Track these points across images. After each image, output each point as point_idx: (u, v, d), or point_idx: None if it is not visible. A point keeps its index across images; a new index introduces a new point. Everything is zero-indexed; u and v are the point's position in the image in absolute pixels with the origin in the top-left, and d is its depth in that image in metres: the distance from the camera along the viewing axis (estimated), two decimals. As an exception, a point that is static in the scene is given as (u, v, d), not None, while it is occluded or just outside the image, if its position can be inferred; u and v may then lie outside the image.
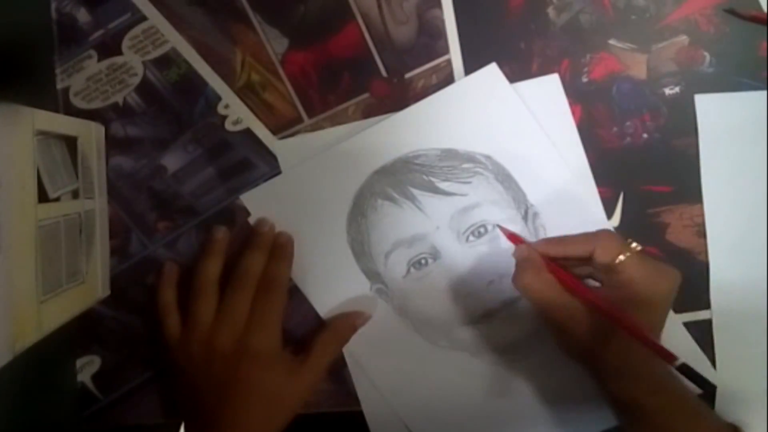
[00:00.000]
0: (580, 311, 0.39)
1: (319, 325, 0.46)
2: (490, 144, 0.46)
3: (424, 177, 0.46)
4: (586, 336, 0.38)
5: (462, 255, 0.46)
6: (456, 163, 0.46)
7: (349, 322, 0.46)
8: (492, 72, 0.46)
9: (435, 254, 0.46)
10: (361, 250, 0.47)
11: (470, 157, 0.46)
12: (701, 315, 0.46)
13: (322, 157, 0.47)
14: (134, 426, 0.48)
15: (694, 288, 0.46)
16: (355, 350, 0.47)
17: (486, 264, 0.45)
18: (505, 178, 0.46)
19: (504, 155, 0.46)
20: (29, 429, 0.42)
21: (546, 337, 0.44)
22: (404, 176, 0.46)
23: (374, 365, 0.47)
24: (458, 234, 0.46)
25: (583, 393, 0.44)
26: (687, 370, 0.35)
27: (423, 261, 0.46)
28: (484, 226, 0.46)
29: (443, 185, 0.46)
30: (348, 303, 0.47)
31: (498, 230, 0.45)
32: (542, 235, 0.46)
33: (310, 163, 0.47)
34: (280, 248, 0.46)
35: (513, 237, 0.44)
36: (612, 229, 0.46)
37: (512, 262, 0.43)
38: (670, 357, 0.35)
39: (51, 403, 0.45)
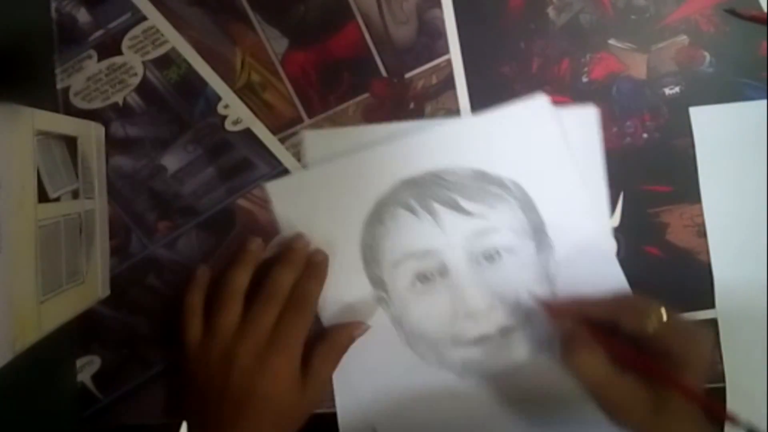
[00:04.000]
0: (631, 387, 0.38)
1: (317, 335, 0.46)
2: (522, 172, 0.46)
3: (450, 194, 0.46)
4: (640, 412, 0.38)
5: (469, 276, 0.45)
6: (484, 185, 0.46)
7: (347, 332, 0.45)
8: (541, 103, 0.46)
9: (443, 271, 0.45)
10: (371, 256, 0.46)
11: (499, 182, 0.46)
12: (702, 314, 0.46)
13: (354, 158, 0.47)
14: (134, 426, 0.48)
15: (696, 288, 0.46)
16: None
17: (491, 289, 0.45)
18: (529, 208, 0.46)
19: (533, 185, 0.46)
20: (29, 429, 0.42)
21: (537, 370, 0.45)
22: (430, 190, 0.46)
23: (359, 370, 0.46)
24: (470, 255, 0.45)
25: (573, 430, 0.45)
26: (752, 430, 0.35)
27: (430, 276, 0.46)
28: (497, 251, 0.46)
29: (467, 205, 0.46)
30: (347, 306, 0.46)
31: (509, 258, 0.45)
32: (552, 270, 0.46)
33: (340, 162, 0.47)
34: (315, 266, 0.45)
35: (549, 307, 0.44)
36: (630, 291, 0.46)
37: (517, 292, 0.45)
38: (733, 419, 0.35)
39: (51, 403, 0.45)
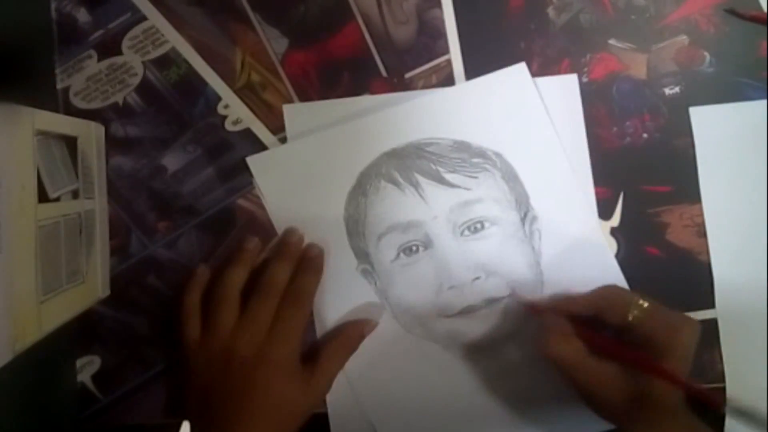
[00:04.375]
0: (611, 375, 0.38)
1: (327, 334, 0.46)
2: (503, 142, 0.46)
3: (432, 166, 0.46)
4: (619, 400, 0.38)
5: (453, 248, 0.45)
6: (466, 156, 0.46)
7: (357, 330, 0.46)
8: (520, 71, 0.47)
9: (427, 243, 0.46)
10: (355, 228, 0.47)
11: (481, 153, 0.46)
12: (702, 314, 0.46)
13: (335, 131, 0.47)
14: (134, 426, 0.48)
15: (696, 288, 0.46)
16: (329, 324, 0.46)
17: (475, 260, 0.45)
18: (512, 178, 0.46)
19: (515, 155, 0.46)
20: (29, 429, 0.42)
21: (521, 341, 0.45)
22: (413, 162, 0.46)
23: None
24: (454, 226, 0.46)
25: (557, 402, 0.45)
26: (738, 411, 0.35)
27: (414, 248, 0.46)
28: (481, 222, 0.46)
29: (449, 176, 0.46)
30: (332, 280, 0.46)
31: (493, 229, 0.46)
32: (536, 240, 0.46)
33: (321, 135, 0.47)
34: (310, 261, 0.45)
35: (530, 306, 0.44)
36: (618, 275, 0.46)
37: (501, 263, 0.45)
38: (718, 402, 0.35)
39: (51, 403, 0.45)
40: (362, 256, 0.47)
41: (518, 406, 0.46)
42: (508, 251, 0.46)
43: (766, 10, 0.46)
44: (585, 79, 0.47)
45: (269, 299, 0.43)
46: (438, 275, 0.46)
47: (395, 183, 0.46)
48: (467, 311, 0.46)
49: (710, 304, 0.46)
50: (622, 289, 0.42)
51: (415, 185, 0.46)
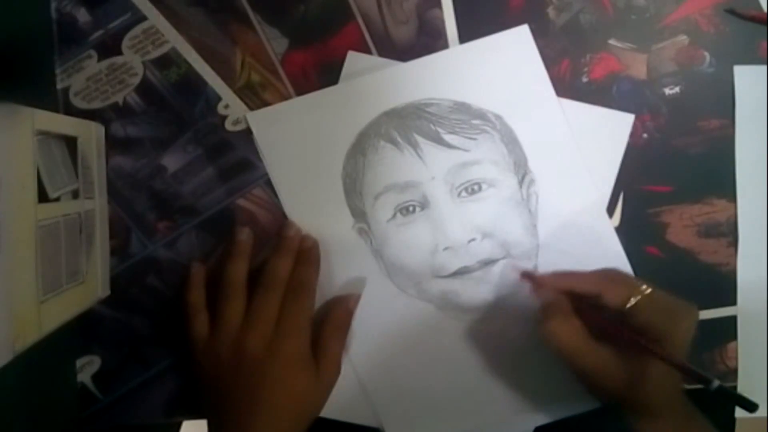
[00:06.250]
0: (609, 359, 0.39)
1: (318, 321, 0.46)
2: (504, 104, 0.46)
3: (432, 126, 0.46)
4: (615, 382, 0.39)
5: (450, 209, 0.46)
6: (466, 117, 0.46)
7: (344, 308, 0.46)
8: (522, 34, 0.47)
9: (424, 203, 0.46)
10: (352, 187, 0.47)
11: (481, 114, 0.46)
12: (703, 314, 0.46)
13: (335, 89, 0.47)
14: (134, 426, 0.48)
15: (696, 288, 0.46)
16: (325, 283, 0.47)
17: (472, 222, 0.46)
18: (511, 141, 0.46)
19: (515, 118, 0.46)
20: (29, 429, 0.42)
21: (515, 303, 0.45)
22: (412, 122, 0.46)
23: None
24: (452, 188, 0.46)
25: (550, 365, 0.44)
26: (724, 392, 0.35)
27: (411, 208, 0.46)
28: (478, 184, 0.46)
29: (448, 137, 0.46)
30: (325, 234, 0.46)
31: (490, 191, 0.46)
32: (533, 203, 0.46)
33: (322, 93, 0.47)
34: (306, 252, 0.46)
35: (529, 277, 0.44)
36: (622, 258, 0.46)
37: (497, 225, 0.45)
38: (706, 381, 0.36)
39: (51, 403, 0.45)
40: (359, 215, 0.47)
41: (511, 368, 0.46)
42: (505, 213, 0.46)
43: (766, 10, 0.46)
44: (585, 79, 0.47)
45: (273, 294, 0.43)
46: (434, 236, 0.46)
47: (394, 143, 0.46)
48: (462, 272, 0.46)
49: (710, 304, 0.46)
50: (625, 273, 0.43)
51: (414, 145, 0.46)
